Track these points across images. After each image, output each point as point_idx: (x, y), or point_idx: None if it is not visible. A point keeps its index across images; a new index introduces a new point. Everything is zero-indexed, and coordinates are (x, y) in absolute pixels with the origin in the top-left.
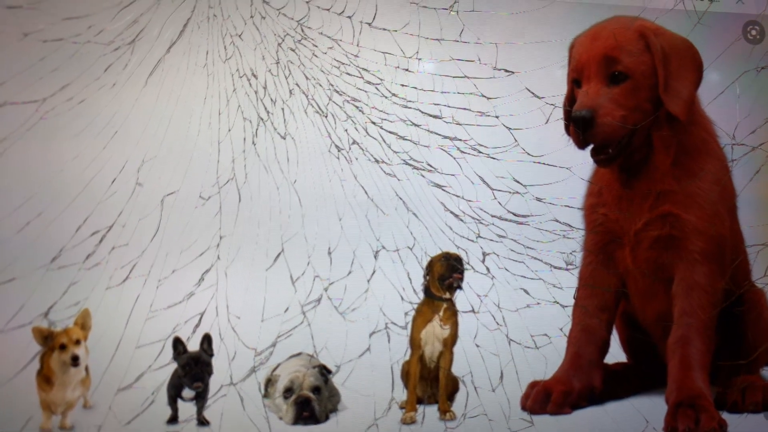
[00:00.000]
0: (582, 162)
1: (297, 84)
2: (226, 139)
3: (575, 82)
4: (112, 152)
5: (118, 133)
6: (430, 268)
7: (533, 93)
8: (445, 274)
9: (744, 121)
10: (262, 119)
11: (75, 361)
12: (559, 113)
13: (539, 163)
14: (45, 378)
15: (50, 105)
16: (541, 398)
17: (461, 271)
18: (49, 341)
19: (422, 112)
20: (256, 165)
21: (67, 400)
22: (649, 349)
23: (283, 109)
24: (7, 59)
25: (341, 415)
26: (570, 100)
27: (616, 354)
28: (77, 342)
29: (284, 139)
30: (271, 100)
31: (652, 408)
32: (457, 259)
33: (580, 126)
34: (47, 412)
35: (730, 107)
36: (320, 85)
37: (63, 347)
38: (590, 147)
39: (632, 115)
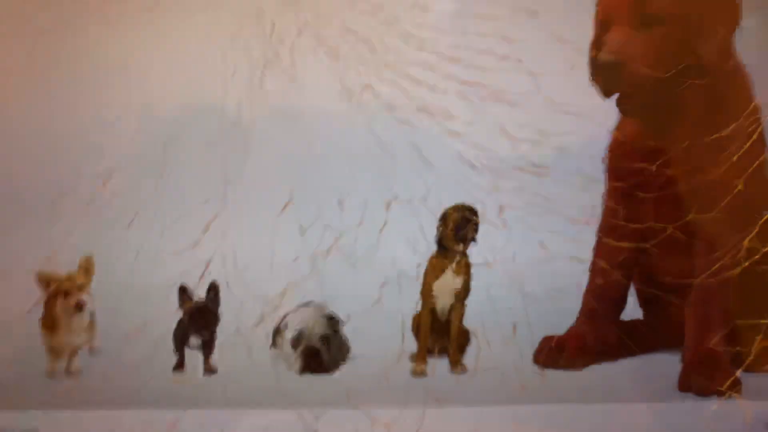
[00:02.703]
0: (607, 111)
1: (307, 23)
2: (231, 82)
3: (603, 24)
4: (113, 94)
5: (120, 73)
6: (444, 220)
7: (558, 36)
8: (459, 226)
9: None
10: (269, 61)
11: (79, 306)
12: (585, 59)
13: (562, 111)
14: (50, 323)
15: (51, 39)
16: (555, 353)
17: (476, 223)
18: (53, 287)
19: (440, 55)
20: (263, 109)
21: (72, 345)
22: (667, 306)
23: (291, 50)
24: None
25: (350, 365)
26: (597, 45)
27: (632, 311)
28: (81, 288)
29: (293, 82)
30: (279, 40)
31: (667, 366)
32: (472, 211)
33: (607, 73)
34: (53, 357)
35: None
36: (331, 25)
37: (67, 293)
38: (616, 95)
39: (662, 62)
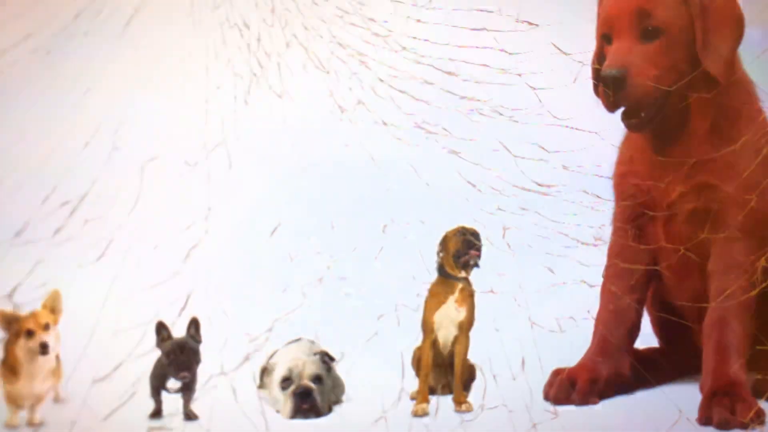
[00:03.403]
0: (612, 126)
1: (294, 35)
2: (214, 98)
3: (605, 37)
4: (85, 112)
5: (90, 90)
6: (444, 244)
7: (559, 49)
8: (460, 251)
9: None
10: (255, 75)
11: (44, 348)
12: (588, 72)
13: (566, 127)
14: (10, 368)
15: (12, 57)
16: (566, 387)
17: (479, 248)
18: (14, 326)
19: (436, 69)
20: (249, 127)
21: (35, 392)
22: (683, 333)
23: (278, 63)
24: None
25: (345, 407)
26: (599, 58)
27: (647, 338)
28: (46, 327)
29: (280, 97)
30: (266, 53)
31: (685, 397)
32: (474, 234)
33: (610, 86)
34: (13, 407)
35: None
36: (321, 37)
37: (30, 333)
38: (621, 110)
39: (667, 75)
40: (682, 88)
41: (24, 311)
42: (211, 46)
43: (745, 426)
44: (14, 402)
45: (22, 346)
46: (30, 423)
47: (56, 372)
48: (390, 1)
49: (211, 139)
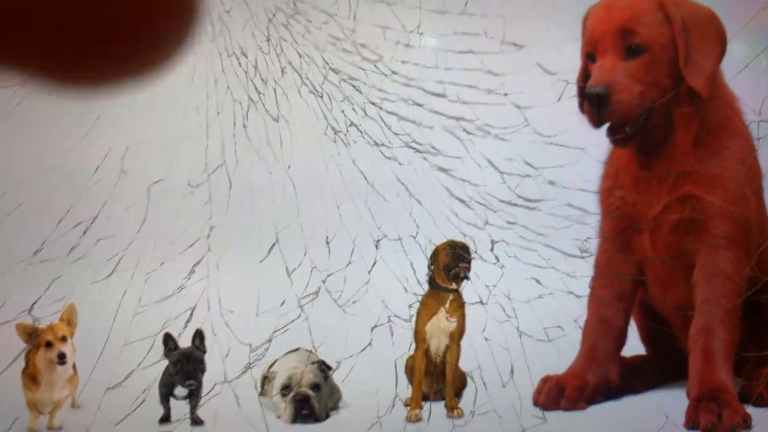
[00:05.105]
0: (597, 142)
1: (290, 62)
2: (214, 123)
3: (589, 56)
4: (94, 139)
5: (100, 119)
6: (434, 258)
7: (544, 68)
8: (450, 264)
9: None
10: (252, 101)
11: (62, 358)
12: (573, 90)
13: (551, 143)
14: (31, 377)
15: (27, 92)
16: (555, 393)
17: (468, 261)
18: (34, 338)
19: (425, 91)
20: (248, 150)
21: (54, 399)
22: (669, 340)
23: (275, 89)
24: None
25: (342, 413)
26: (584, 76)
27: (634, 346)
28: (63, 339)
29: (277, 121)
30: (263, 80)
31: (672, 403)
32: (464, 248)
33: (594, 103)
34: (34, 412)
35: (756, 82)
36: (315, 63)
37: (49, 344)
38: (606, 126)
39: (651, 91)
40: (666, 104)
41: (43, 324)
42: (211, 74)
43: (731, 431)
44: (35, 408)
45: (41, 357)
46: (50, 427)
47: (73, 380)
48: (380, 27)
49: (212, 162)
